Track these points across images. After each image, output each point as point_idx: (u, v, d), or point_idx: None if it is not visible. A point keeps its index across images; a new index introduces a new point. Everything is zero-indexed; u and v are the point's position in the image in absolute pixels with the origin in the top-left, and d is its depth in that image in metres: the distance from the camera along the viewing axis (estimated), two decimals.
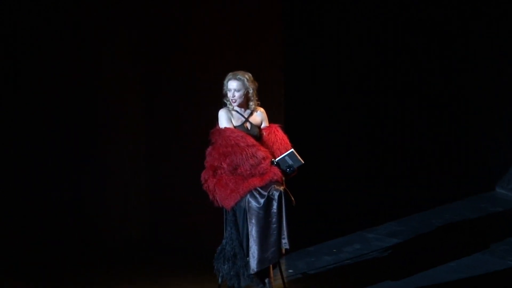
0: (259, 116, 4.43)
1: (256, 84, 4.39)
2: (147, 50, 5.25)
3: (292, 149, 4.24)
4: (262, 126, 4.45)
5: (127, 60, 5.10)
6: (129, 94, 5.18)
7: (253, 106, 4.40)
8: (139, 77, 5.23)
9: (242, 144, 4.18)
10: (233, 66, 4.43)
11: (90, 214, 5.08)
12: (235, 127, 4.33)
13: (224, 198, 4.19)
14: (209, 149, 4.30)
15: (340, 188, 6.77)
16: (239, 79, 4.32)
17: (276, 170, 4.20)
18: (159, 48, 5.25)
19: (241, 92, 4.33)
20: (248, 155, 4.15)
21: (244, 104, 4.38)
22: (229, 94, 4.34)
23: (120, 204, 5.18)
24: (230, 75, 4.35)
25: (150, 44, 5.24)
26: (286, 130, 4.47)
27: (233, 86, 4.32)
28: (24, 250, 4.95)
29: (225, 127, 4.29)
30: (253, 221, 4.10)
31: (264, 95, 4.58)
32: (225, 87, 4.37)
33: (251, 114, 4.40)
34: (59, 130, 5.04)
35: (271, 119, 4.52)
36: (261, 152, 4.21)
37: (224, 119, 4.32)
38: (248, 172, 4.16)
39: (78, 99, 5.05)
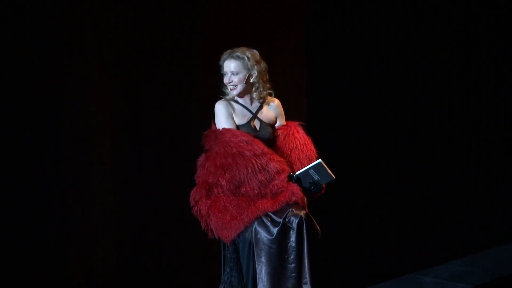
0: (272, 110, 4.23)
1: (265, 65, 4.18)
2: (127, 38, 5.28)
3: (320, 160, 4.01)
4: (277, 124, 4.26)
5: (97, 52, 5.14)
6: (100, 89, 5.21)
7: (262, 95, 4.18)
8: (112, 72, 5.23)
9: (247, 153, 3.97)
10: None
11: (46, 241, 5.05)
12: (238, 126, 4.11)
13: (222, 227, 3.98)
14: (202, 158, 4.10)
15: (383, 213, 6.75)
16: (237, 58, 4.11)
17: (295, 188, 3.97)
18: (147, 36, 5.32)
19: (240, 76, 4.11)
20: (256, 168, 3.95)
21: (250, 93, 4.17)
22: (225, 79, 4.15)
23: (82, 232, 5.14)
24: (226, 53, 4.16)
25: (132, 30, 5.30)
26: (309, 132, 4.32)
27: (229, 68, 4.12)
28: None
29: (224, 128, 4.06)
30: (263, 259, 3.90)
31: (283, 87, 4.62)
32: (222, 71, 4.18)
33: (260, 107, 4.19)
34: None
35: (289, 117, 4.33)
36: (275, 164, 3.98)
37: (222, 116, 4.10)
38: (255, 191, 3.96)
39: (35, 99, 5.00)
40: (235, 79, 4.11)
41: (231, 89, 4.14)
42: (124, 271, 5.30)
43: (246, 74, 4.12)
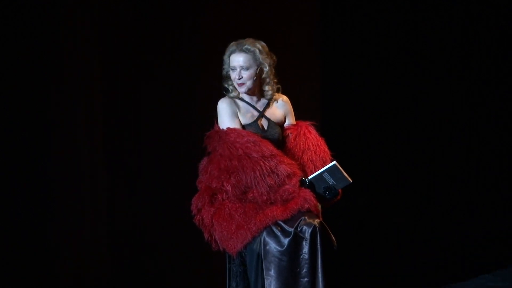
0: (280, 108, 4.14)
1: (274, 58, 4.08)
2: (118, 29, 5.28)
3: (335, 162, 3.90)
4: (286, 123, 4.16)
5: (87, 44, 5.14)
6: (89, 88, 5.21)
7: (270, 92, 4.09)
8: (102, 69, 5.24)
9: (255, 155, 3.88)
10: None
11: (44, 241, 5.07)
12: (243, 126, 4.03)
13: (227, 238, 3.88)
14: (204, 161, 4.00)
15: (405, 222, 6.63)
16: (247, 51, 4.01)
17: (308, 194, 3.86)
18: (147, 36, 5.33)
19: (251, 71, 4.01)
20: (265, 171, 3.87)
21: (257, 89, 4.07)
22: (233, 75, 4.03)
23: (71, 239, 5.13)
24: (232, 45, 4.06)
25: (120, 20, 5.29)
26: (323, 133, 4.22)
27: (238, 62, 4.01)
28: None
29: (228, 128, 3.97)
30: (272, 272, 3.79)
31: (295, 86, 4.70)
32: (225, 65, 4.09)
33: (268, 105, 4.11)
34: None
35: (302, 117, 4.23)
36: (285, 167, 3.88)
37: (226, 115, 4.01)
38: (264, 197, 3.86)
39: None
40: (245, 74, 4.00)
41: (239, 86, 4.04)
42: (123, 275, 5.31)
43: (256, 68, 4.02)
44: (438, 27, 7.08)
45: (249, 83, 4.00)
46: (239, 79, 4.00)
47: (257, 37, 4.41)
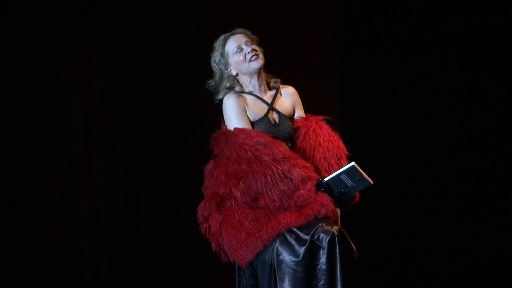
0: (288, 99, 4.08)
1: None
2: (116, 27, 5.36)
3: (353, 163, 3.79)
4: (295, 116, 4.11)
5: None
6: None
7: (278, 82, 4.06)
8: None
9: (265, 158, 3.79)
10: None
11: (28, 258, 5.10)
12: (253, 123, 3.93)
13: (236, 247, 3.80)
14: (210, 165, 3.91)
15: (433, 227, 6.35)
16: (239, 32, 3.96)
17: (325, 198, 3.77)
18: (147, 35, 5.41)
19: (256, 46, 3.95)
20: (277, 176, 3.78)
21: (262, 78, 4.01)
22: (241, 56, 3.90)
23: (70, 239, 5.19)
24: (220, 37, 4.01)
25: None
26: (343, 130, 4.18)
27: (239, 40, 3.94)
28: None
29: (236, 128, 3.87)
30: (287, 285, 3.70)
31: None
32: (220, 62, 4.01)
33: (275, 97, 4.03)
34: None
35: (318, 113, 4.14)
36: (299, 171, 3.79)
37: (233, 113, 3.90)
38: (277, 204, 3.78)
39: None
40: (253, 47, 3.91)
41: (254, 60, 3.90)
42: (122, 275, 5.36)
43: (260, 50, 3.95)
44: (466, 23, 6.96)
45: (261, 56, 3.90)
46: (253, 54, 3.89)
47: (271, 33, 4.41)
